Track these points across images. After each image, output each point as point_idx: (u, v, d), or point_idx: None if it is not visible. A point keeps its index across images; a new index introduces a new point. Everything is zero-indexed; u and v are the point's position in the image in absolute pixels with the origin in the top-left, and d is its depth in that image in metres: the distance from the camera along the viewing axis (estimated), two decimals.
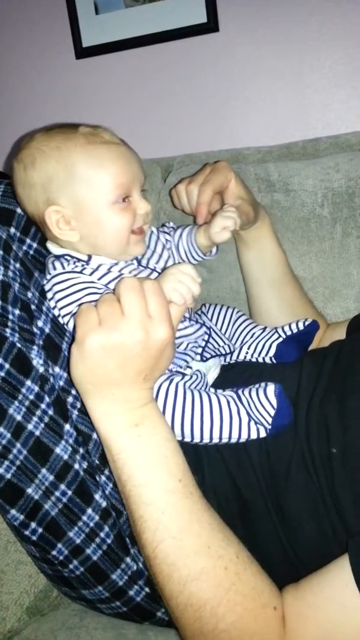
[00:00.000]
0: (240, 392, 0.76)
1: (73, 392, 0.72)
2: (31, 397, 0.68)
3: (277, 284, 1.01)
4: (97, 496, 0.72)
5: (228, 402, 0.74)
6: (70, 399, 0.72)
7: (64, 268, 0.74)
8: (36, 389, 0.69)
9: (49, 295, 0.73)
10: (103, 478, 0.74)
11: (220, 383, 0.85)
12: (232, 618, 0.58)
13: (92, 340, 0.62)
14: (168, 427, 0.67)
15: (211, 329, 0.88)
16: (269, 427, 0.73)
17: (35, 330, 0.71)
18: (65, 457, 0.70)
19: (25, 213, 0.77)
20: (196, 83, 1.43)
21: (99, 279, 0.74)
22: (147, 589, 0.76)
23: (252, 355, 0.90)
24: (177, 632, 0.63)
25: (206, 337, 0.85)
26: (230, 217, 0.83)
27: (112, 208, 0.72)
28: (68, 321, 0.72)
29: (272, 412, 0.72)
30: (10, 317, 0.68)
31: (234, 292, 1.12)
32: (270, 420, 0.72)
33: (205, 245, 0.87)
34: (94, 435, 0.73)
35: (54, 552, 0.72)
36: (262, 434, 0.73)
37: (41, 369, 0.69)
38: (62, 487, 0.71)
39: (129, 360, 0.62)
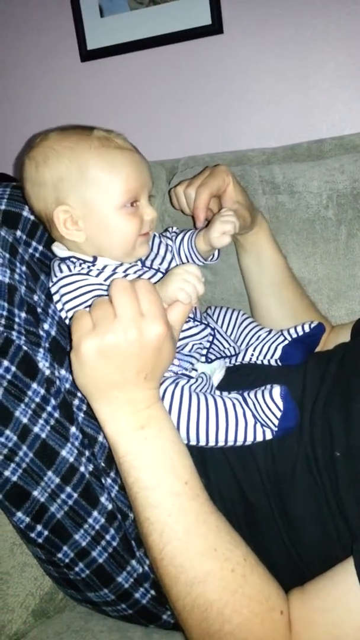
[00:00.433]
0: (246, 394, 0.76)
1: (79, 394, 0.73)
2: (37, 399, 0.68)
3: (277, 288, 1.01)
4: (102, 499, 0.72)
5: (234, 405, 0.74)
6: (76, 402, 0.72)
7: (70, 270, 0.74)
8: (42, 391, 0.69)
9: (56, 297, 0.74)
10: (109, 481, 0.74)
11: (226, 385, 0.85)
12: (238, 620, 0.58)
13: (87, 345, 0.62)
14: (174, 429, 0.67)
15: (216, 330, 0.88)
16: (275, 429, 0.72)
17: (41, 333, 0.71)
18: (71, 459, 0.71)
19: (32, 210, 0.78)
20: (200, 85, 1.43)
21: (105, 280, 0.74)
22: (152, 592, 0.76)
23: (257, 358, 0.90)
24: (183, 635, 0.63)
25: (211, 337, 0.85)
26: (230, 221, 0.83)
27: (120, 212, 0.73)
28: None
29: (279, 414, 0.72)
30: (17, 320, 0.69)
31: (238, 294, 1.12)
32: (276, 422, 0.72)
33: (205, 250, 0.87)
34: (100, 438, 0.73)
35: (60, 555, 0.72)
36: (269, 436, 0.73)
37: (47, 372, 0.70)
38: (68, 489, 0.71)
39: (126, 361, 0.62)
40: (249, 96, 1.41)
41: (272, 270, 1.00)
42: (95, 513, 0.72)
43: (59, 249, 0.78)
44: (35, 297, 0.72)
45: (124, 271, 0.76)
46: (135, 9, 1.41)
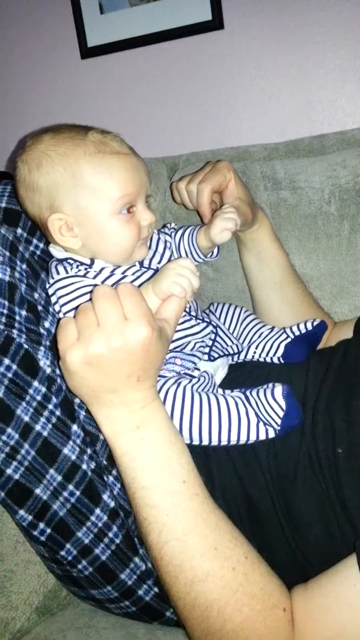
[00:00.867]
0: (248, 392, 0.76)
1: None
2: (38, 397, 0.68)
3: (278, 285, 1.00)
4: (105, 496, 0.72)
5: (236, 404, 0.74)
6: (77, 400, 0.73)
7: (67, 272, 0.74)
8: (43, 389, 0.69)
9: (53, 299, 0.73)
10: (111, 478, 0.74)
11: (228, 383, 0.85)
12: (239, 619, 0.58)
13: (72, 357, 0.62)
14: (173, 428, 0.67)
15: (218, 328, 0.88)
16: (278, 428, 0.72)
17: (42, 331, 0.71)
18: (73, 457, 0.71)
19: (26, 213, 0.77)
20: (202, 81, 1.42)
21: (103, 282, 0.74)
22: (156, 589, 0.76)
23: (259, 355, 0.90)
24: (186, 632, 0.63)
25: (213, 335, 0.84)
26: (231, 218, 0.83)
27: (117, 218, 0.72)
28: None
29: (281, 414, 0.72)
30: (17, 318, 0.69)
31: (239, 291, 1.12)
32: (279, 421, 0.72)
33: (205, 246, 0.87)
34: (102, 436, 0.73)
35: (63, 552, 0.73)
36: (271, 435, 0.73)
37: (48, 370, 0.69)
38: (70, 487, 0.71)
39: (114, 368, 0.61)
40: (250, 92, 1.40)
41: (273, 267, 1.00)
42: (97, 510, 0.72)
43: (56, 250, 0.77)
44: (36, 295, 0.72)
45: (122, 272, 0.75)
46: (135, 5, 1.40)
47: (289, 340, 0.89)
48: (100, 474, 0.73)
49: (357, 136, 1.14)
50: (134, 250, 0.75)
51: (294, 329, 0.90)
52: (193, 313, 0.82)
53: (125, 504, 0.74)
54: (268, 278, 1.01)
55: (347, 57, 1.32)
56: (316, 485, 0.70)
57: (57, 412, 0.70)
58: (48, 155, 0.71)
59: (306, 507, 0.70)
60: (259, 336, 0.91)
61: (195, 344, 0.81)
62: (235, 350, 0.89)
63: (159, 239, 0.86)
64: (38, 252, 0.83)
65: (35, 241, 0.83)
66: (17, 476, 0.69)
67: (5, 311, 0.67)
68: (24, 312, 0.69)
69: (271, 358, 0.89)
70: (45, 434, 0.69)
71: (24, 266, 0.73)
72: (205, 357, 0.83)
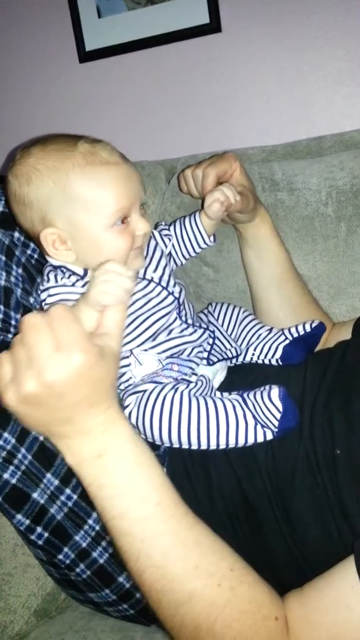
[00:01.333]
0: (245, 395, 0.76)
1: None
2: None
3: (278, 282, 1.00)
4: (95, 513, 0.72)
5: (234, 407, 0.74)
6: None
7: (57, 281, 0.73)
8: None
9: (44, 306, 0.73)
10: None
11: (226, 386, 0.85)
12: (230, 635, 0.56)
13: (9, 398, 0.57)
14: (139, 448, 0.62)
15: (216, 331, 0.88)
16: (276, 430, 0.72)
17: None
18: None
19: (20, 227, 0.76)
20: (200, 84, 1.43)
21: None
22: None
23: (258, 357, 0.90)
24: None
25: (210, 340, 0.84)
26: (218, 189, 0.84)
27: (111, 231, 0.71)
28: None
29: (278, 415, 0.71)
30: (13, 322, 0.69)
31: (240, 291, 1.12)
32: (276, 423, 0.72)
33: (207, 224, 0.89)
34: None
35: (61, 556, 0.73)
36: (269, 437, 0.73)
37: None
38: (68, 491, 0.71)
39: (57, 401, 0.56)
40: (248, 94, 1.40)
41: (273, 264, 1.00)
42: (95, 514, 0.72)
43: (50, 257, 0.76)
44: (32, 300, 0.72)
45: None
46: (132, 9, 1.41)
47: (287, 342, 0.89)
48: None
49: (355, 138, 1.14)
50: (127, 260, 0.73)
51: (293, 330, 0.90)
52: (190, 321, 0.82)
53: None
54: (268, 274, 1.01)
55: (344, 59, 1.32)
56: (314, 486, 0.69)
57: None
58: (37, 169, 0.70)
59: (304, 508, 0.70)
60: (257, 338, 0.91)
61: (193, 349, 0.81)
62: (234, 354, 0.89)
63: (156, 244, 0.85)
64: (35, 256, 0.84)
65: (32, 245, 0.83)
66: (14, 480, 0.69)
67: (0, 315, 0.67)
68: (19, 317, 0.69)
69: (269, 360, 0.89)
70: (41, 438, 0.69)
71: (20, 270, 0.73)
72: (204, 362, 0.83)
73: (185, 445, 0.73)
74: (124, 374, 0.79)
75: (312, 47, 1.33)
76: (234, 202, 0.85)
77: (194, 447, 0.74)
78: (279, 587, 0.63)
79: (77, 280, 0.73)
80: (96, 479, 0.60)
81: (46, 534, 0.72)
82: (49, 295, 0.72)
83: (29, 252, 0.83)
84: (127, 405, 0.76)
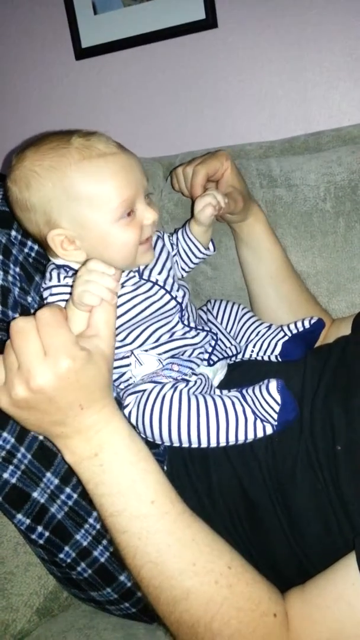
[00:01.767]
0: (244, 391, 0.76)
1: None
2: None
3: (274, 280, 1.00)
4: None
5: (233, 404, 0.74)
6: None
7: (59, 280, 0.72)
8: None
9: (45, 305, 0.72)
10: None
11: (226, 383, 0.85)
12: (228, 632, 0.57)
13: (2, 403, 0.59)
14: (134, 447, 0.63)
15: (217, 334, 0.87)
16: (275, 423, 0.72)
17: None
18: None
19: (26, 233, 0.75)
20: (196, 80, 1.42)
21: None
22: None
23: (257, 354, 0.90)
24: None
25: (213, 342, 0.84)
26: (209, 193, 0.83)
27: (118, 224, 0.69)
28: None
29: (277, 408, 0.71)
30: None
31: (238, 289, 1.12)
32: (275, 416, 0.72)
33: (198, 232, 0.87)
34: None
35: (62, 555, 0.73)
36: (269, 431, 0.73)
37: None
38: (68, 490, 0.71)
39: (48, 405, 0.58)
40: (245, 90, 1.40)
41: (269, 262, 1.00)
42: (95, 513, 0.72)
43: (60, 258, 0.74)
44: (29, 299, 0.72)
45: (122, 284, 0.74)
46: (128, 5, 1.40)
47: (286, 338, 0.89)
48: None
49: (352, 133, 1.14)
50: (137, 254, 0.72)
51: (292, 327, 0.90)
52: (192, 324, 0.82)
53: None
54: (264, 272, 1.00)
55: (342, 54, 1.31)
56: (315, 482, 0.69)
57: None
58: (34, 171, 0.68)
59: (305, 504, 0.70)
60: (257, 335, 0.91)
61: (194, 350, 0.81)
62: (234, 352, 0.89)
63: (163, 246, 0.84)
64: (33, 254, 0.83)
65: (29, 243, 0.83)
66: (14, 480, 0.69)
67: None
68: (17, 316, 0.69)
69: (269, 356, 0.89)
70: (41, 437, 0.69)
71: (18, 269, 0.73)
72: (205, 362, 0.83)
73: (185, 444, 0.73)
74: (123, 373, 0.79)
75: (309, 42, 1.32)
76: (223, 206, 0.85)
77: (194, 445, 0.74)
78: (280, 584, 0.63)
79: None
80: (93, 477, 0.61)
81: (47, 533, 0.71)
82: (51, 294, 0.72)
83: (26, 250, 0.83)
84: (127, 405, 0.76)
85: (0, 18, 1.52)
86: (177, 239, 0.91)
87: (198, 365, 0.81)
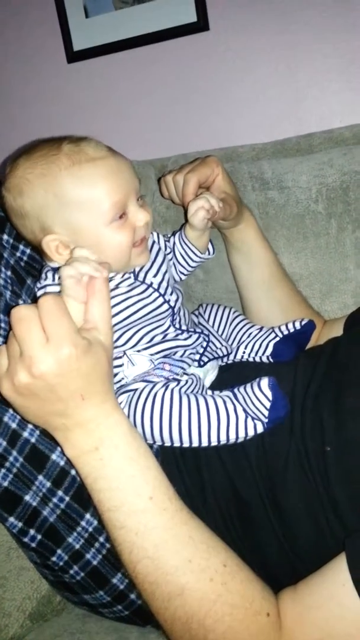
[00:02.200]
0: (236, 390, 0.76)
1: None
2: None
3: (266, 286, 1.00)
4: None
5: (224, 402, 0.74)
6: None
7: (54, 279, 0.73)
8: None
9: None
10: None
11: (218, 384, 0.85)
12: (221, 629, 0.57)
13: (4, 390, 0.60)
14: (134, 443, 0.63)
15: (209, 336, 0.88)
16: (266, 420, 0.72)
17: None
18: (62, 463, 0.71)
19: (23, 239, 0.76)
20: (188, 82, 1.42)
21: None
22: None
23: (249, 355, 0.90)
24: None
25: (204, 344, 0.84)
26: (203, 197, 0.83)
27: (110, 227, 0.70)
28: None
29: (268, 405, 0.71)
30: (3, 325, 0.69)
31: (229, 292, 1.12)
32: (266, 413, 0.72)
33: (193, 237, 0.87)
34: None
35: (54, 558, 0.73)
36: (260, 429, 0.73)
37: None
38: (60, 493, 0.71)
39: (50, 393, 0.58)
40: (237, 92, 1.40)
41: (261, 268, 1.00)
42: (87, 516, 0.72)
43: (56, 263, 0.75)
44: (21, 302, 0.72)
45: (116, 285, 0.75)
46: (120, 8, 1.40)
47: (277, 339, 0.89)
48: None
49: (344, 135, 1.15)
50: (131, 255, 0.73)
51: (283, 328, 0.90)
52: (184, 327, 0.82)
53: None
54: (256, 278, 1.01)
55: (333, 55, 1.32)
56: (305, 482, 0.70)
57: None
58: (26, 179, 0.69)
59: (295, 504, 0.70)
60: (248, 336, 0.91)
61: (186, 351, 0.81)
62: (225, 353, 0.89)
63: (159, 249, 0.84)
64: (25, 258, 0.84)
65: (22, 247, 0.83)
66: (5, 483, 0.69)
67: None
68: (9, 319, 0.69)
69: (260, 357, 0.89)
70: (33, 440, 0.69)
71: (9, 272, 0.73)
72: (196, 363, 0.83)
73: (177, 443, 0.73)
74: (116, 374, 0.79)
75: (300, 43, 1.33)
76: (218, 210, 0.84)
77: (186, 444, 0.74)
78: (272, 584, 0.63)
79: None
80: (92, 471, 0.61)
81: (39, 536, 0.71)
82: (46, 294, 0.72)
83: (18, 254, 0.83)
84: (119, 404, 0.75)
85: None
86: (174, 243, 0.91)
87: (189, 366, 0.81)
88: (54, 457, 0.70)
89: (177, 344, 0.80)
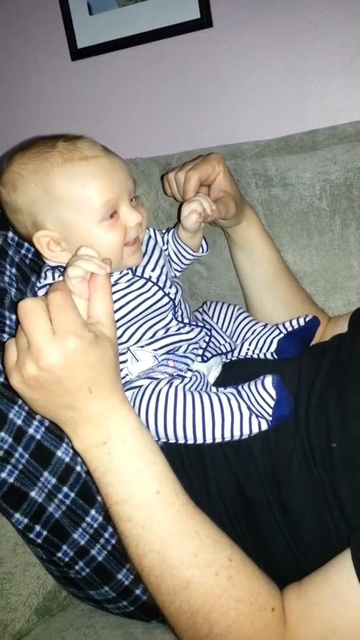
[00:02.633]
0: (240, 387, 0.76)
1: None
2: None
3: (270, 283, 1.00)
4: (99, 497, 0.72)
5: (229, 399, 0.74)
6: None
7: (53, 279, 0.73)
8: None
9: None
10: None
11: (222, 381, 0.85)
12: (226, 623, 0.57)
13: (13, 381, 0.60)
14: (142, 437, 0.64)
15: (212, 330, 0.88)
16: (270, 418, 0.72)
17: None
18: (67, 459, 0.71)
19: (18, 234, 0.77)
20: (192, 79, 1.42)
21: None
22: None
23: (253, 352, 0.90)
24: (176, 637, 0.63)
25: (207, 338, 0.85)
26: (195, 199, 0.83)
27: (100, 226, 0.71)
28: None
29: (272, 403, 0.71)
30: (8, 322, 0.69)
31: (233, 289, 1.12)
32: (270, 411, 0.72)
33: (186, 237, 0.87)
34: None
35: (60, 554, 0.73)
36: (264, 427, 0.73)
37: None
38: (65, 489, 0.71)
39: (57, 385, 0.59)
40: (240, 89, 1.40)
41: (265, 265, 1.00)
42: (92, 512, 0.72)
43: (48, 259, 0.76)
44: None
45: (115, 281, 0.75)
46: (123, 5, 1.40)
47: (281, 335, 0.89)
48: None
49: (348, 131, 1.14)
50: (123, 255, 0.73)
51: (287, 324, 0.90)
52: (186, 320, 0.82)
53: None
54: (260, 276, 1.01)
55: (337, 52, 1.31)
56: (310, 479, 0.70)
57: None
58: (20, 174, 0.70)
59: (300, 501, 0.70)
60: (252, 333, 0.91)
61: (189, 346, 0.81)
62: (229, 349, 0.89)
63: (155, 243, 0.85)
64: (30, 255, 0.84)
65: (26, 245, 0.84)
66: (11, 480, 0.69)
67: None
68: (14, 317, 0.69)
69: (264, 354, 0.89)
70: (38, 437, 0.69)
71: (14, 270, 0.73)
72: (199, 359, 0.83)
73: (181, 440, 0.74)
74: (121, 370, 0.79)
75: (304, 40, 1.32)
76: (210, 213, 0.84)
77: (190, 441, 0.74)
78: (277, 580, 0.63)
79: None
80: (100, 465, 0.62)
81: (45, 532, 0.72)
82: (44, 294, 0.72)
83: (23, 251, 0.83)
84: None
85: None
86: (167, 241, 0.91)
87: (193, 361, 0.82)
88: (59, 453, 0.70)
89: (180, 339, 0.80)
